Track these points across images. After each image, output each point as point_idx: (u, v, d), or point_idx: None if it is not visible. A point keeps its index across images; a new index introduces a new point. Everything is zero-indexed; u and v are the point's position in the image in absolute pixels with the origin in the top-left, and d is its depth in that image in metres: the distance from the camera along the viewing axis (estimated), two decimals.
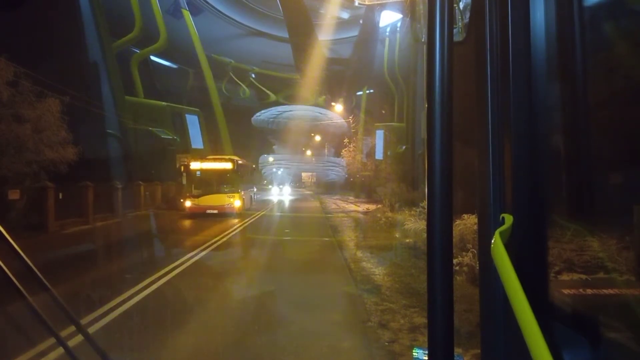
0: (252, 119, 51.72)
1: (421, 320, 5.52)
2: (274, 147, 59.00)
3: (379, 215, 17.46)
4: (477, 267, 1.06)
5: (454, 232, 0.84)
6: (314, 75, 40.85)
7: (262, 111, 52.58)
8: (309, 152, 64.21)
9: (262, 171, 52.61)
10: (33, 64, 15.77)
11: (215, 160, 22.48)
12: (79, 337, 1.52)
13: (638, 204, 1.45)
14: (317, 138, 56.14)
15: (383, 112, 35.66)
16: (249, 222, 19.02)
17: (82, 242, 14.05)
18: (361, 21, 40.10)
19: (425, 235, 0.81)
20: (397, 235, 13.50)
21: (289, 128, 53.14)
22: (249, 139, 48.23)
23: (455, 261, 6.80)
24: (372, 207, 23.11)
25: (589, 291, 1.64)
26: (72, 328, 1.50)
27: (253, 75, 48.63)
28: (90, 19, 25.46)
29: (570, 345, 0.96)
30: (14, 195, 14.81)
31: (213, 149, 33.24)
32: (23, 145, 14.70)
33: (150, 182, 25.14)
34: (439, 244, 0.79)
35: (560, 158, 1.13)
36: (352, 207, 26.92)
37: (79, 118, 18.70)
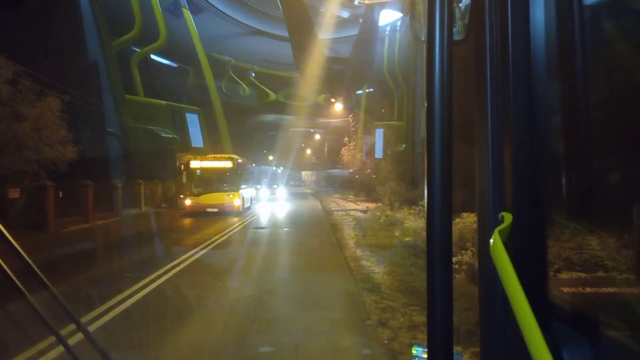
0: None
1: (421, 318, 5.53)
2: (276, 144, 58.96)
3: (378, 213, 17.45)
4: (477, 266, 1.06)
5: (453, 230, 0.85)
6: (314, 74, 40.74)
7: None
8: (308, 151, 64.26)
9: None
10: (33, 62, 15.75)
11: (215, 158, 22.47)
12: (79, 336, 1.53)
13: (637, 203, 1.46)
14: (317, 137, 56.26)
15: (383, 110, 35.60)
16: (249, 220, 19.03)
17: (82, 241, 14.05)
18: (361, 20, 39.99)
19: (424, 233, 0.81)
20: (396, 234, 13.50)
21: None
22: (249, 138, 48.30)
23: (454, 259, 6.80)
24: (371, 205, 23.11)
25: (588, 290, 1.64)
26: (73, 326, 1.50)
27: (253, 74, 48.53)
28: (90, 17, 25.41)
29: (570, 344, 0.97)
30: (13, 194, 14.82)
31: (213, 147, 33.20)
32: (23, 143, 14.70)
33: (151, 181, 25.13)
34: (438, 243, 0.80)
35: (560, 157, 1.13)
36: (352, 205, 26.91)
37: (78, 117, 18.71)
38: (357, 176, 35.06)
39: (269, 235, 14.84)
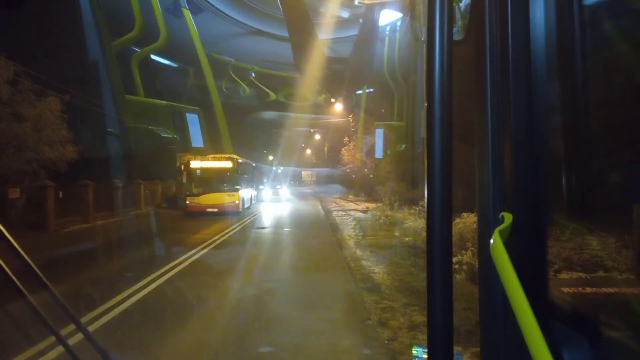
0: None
1: (421, 318, 5.53)
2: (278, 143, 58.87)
3: (378, 213, 17.45)
4: (477, 266, 1.06)
5: (453, 230, 0.85)
6: (314, 74, 40.79)
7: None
8: (308, 151, 64.25)
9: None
10: (33, 62, 15.74)
11: (215, 159, 22.48)
12: (79, 336, 1.52)
13: (637, 203, 1.46)
14: (317, 137, 56.28)
15: (383, 110, 35.60)
16: (249, 220, 19.03)
17: (82, 241, 14.04)
18: (361, 20, 40.01)
19: (424, 233, 0.81)
20: (396, 234, 13.50)
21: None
22: (250, 138, 48.33)
23: (454, 259, 6.80)
24: (371, 205, 23.10)
25: (588, 290, 1.64)
26: (72, 326, 1.50)
27: (253, 74, 48.61)
28: (90, 17, 25.42)
29: (570, 344, 0.97)
30: (13, 194, 14.81)
31: (213, 147, 33.20)
32: (23, 143, 14.68)
33: (151, 181, 25.13)
34: (438, 243, 0.80)
35: (560, 157, 1.13)
36: (352, 205, 26.91)
37: (79, 117, 18.69)
38: (353, 176, 35.11)
39: (268, 235, 14.84)
